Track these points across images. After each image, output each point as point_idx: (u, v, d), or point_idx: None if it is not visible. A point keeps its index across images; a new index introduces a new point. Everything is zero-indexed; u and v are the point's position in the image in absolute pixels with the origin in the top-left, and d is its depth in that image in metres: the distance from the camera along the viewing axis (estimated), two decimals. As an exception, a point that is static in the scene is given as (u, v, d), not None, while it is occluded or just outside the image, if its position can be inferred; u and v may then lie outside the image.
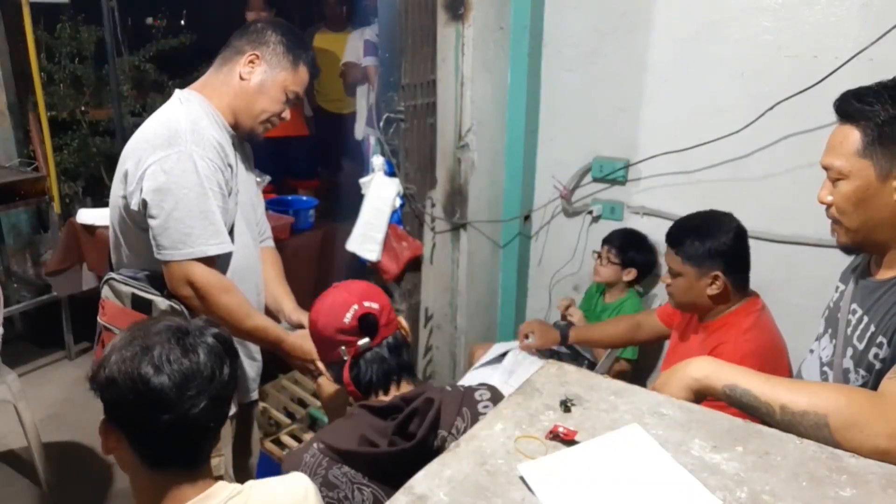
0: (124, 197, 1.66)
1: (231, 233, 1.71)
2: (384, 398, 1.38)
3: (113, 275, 1.72)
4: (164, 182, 1.56)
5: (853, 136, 1.21)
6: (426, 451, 1.29)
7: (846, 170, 1.21)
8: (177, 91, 1.74)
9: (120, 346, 1.08)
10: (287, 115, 1.81)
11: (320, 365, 1.68)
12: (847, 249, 1.30)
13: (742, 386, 1.11)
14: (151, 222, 1.60)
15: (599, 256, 2.61)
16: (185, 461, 1.11)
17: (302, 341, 1.75)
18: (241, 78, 1.71)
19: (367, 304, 1.38)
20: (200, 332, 1.11)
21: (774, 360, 1.81)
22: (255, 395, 1.99)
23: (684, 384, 1.17)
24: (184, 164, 1.57)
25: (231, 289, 1.68)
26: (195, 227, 1.58)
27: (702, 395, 1.17)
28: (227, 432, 1.88)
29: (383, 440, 1.29)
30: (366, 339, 1.37)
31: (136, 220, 1.66)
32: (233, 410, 1.85)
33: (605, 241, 2.60)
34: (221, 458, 1.84)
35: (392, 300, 2.90)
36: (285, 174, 4.49)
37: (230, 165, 1.70)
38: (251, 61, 1.71)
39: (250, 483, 1.16)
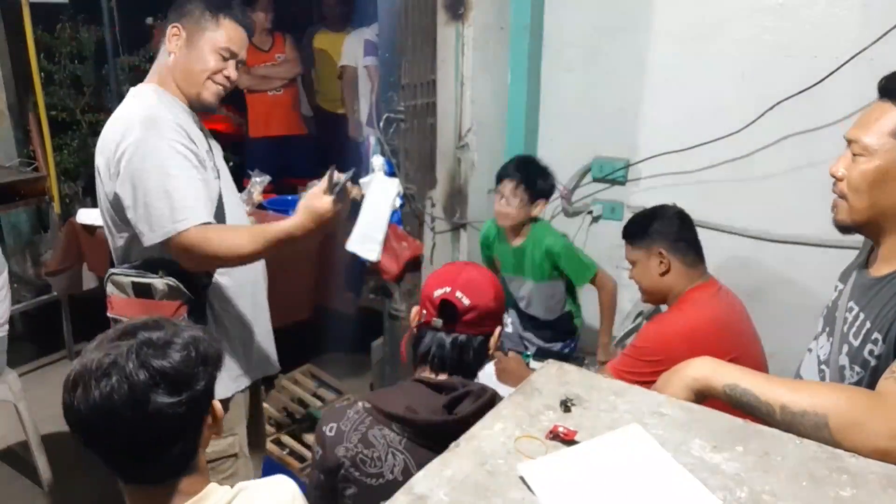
0: (106, 194, 1.73)
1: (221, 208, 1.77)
2: (437, 377, 1.42)
3: (112, 270, 1.76)
4: (129, 174, 1.63)
5: (891, 115, 1.17)
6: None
7: (873, 146, 1.18)
8: (132, 89, 1.80)
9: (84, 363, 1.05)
10: (232, 74, 1.80)
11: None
12: (844, 228, 1.29)
13: (742, 386, 1.11)
14: (129, 214, 1.65)
15: (501, 195, 2.32)
16: (151, 481, 1.09)
17: (305, 213, 1.68)
18: (171, 53, 1.76)
19: (459, 294, 1.40)
20: (163, 354, 1.03)
21: (711, 340, 1.83)
22: (277, 367, 2.06)
23: (685, 384, 1.17)
24: (141, 151, 1.62)
25: (215, 236, 1.64)
26: (163, 209, 1.61)
27: (702, 396, 1.17)
28: (241, 410, 1.91)
29: (430, 415, 1.32)
30: (439, 321, 1.41)
31: (119, 212, 1.72)
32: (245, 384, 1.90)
33: (505, 175, 2.32)
34: (235, 437, 1.88)
35: (392, 300, 2.91)
36: (286, 174, 4.51)
37: (194, 141, 1.72)
38: (174, 34, 1.76)
39: (240, 486, 1.15)
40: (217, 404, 1.14)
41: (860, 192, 1.21)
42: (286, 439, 2.76)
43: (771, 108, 2.20)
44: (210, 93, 1.79)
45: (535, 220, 2.39)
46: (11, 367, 2.63)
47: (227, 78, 1.80)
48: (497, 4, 2.58)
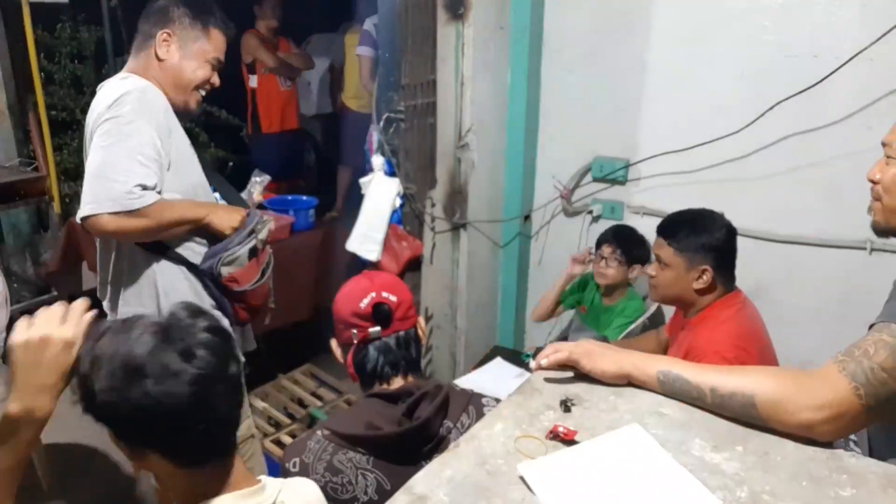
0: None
1: None
2: (390, 387, 1.41)
3: (218, 254, 1.80)
4: (105, 138, 1.64)
5: None
6: (432, 436, 1.31)
7: None
8: (124, 76, 1.77)
9: (108, 369, 0.99)
10: (216, 81, 1.86)
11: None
12: (880, 231, 1.26)
13: (675, 371, 1.12)
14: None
15: (601, 257, 2.51)
16: (221, 453, 1.08)
17: (223, 210, 1.83)
18: (160, 59, 1.77)
19: (385, 294, 1.41)
20: (190, 330, 1.03)
21: (751, 353, 1.81)
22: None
23: (619, 365, 1.15)
24: (126, 127, 1.64)
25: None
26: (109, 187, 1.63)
27: (630, 379, 1.16)
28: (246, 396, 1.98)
29: (391, 426, 1.30)
30: (377, 328, 1.40)
31: None
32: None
33: (605, 240, 2.50)
34: (249, 418, 1.99)
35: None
36: (291, 171, 4.57)
37: (172, 139, 1.75)
38: (164, 40, 1.77)
39: (282, 481, 1.15)
40: None
41: (893, 194, 1.19)
42: (286, 439, 2.76)
43: (771, 108, 2.20)
44: (195, 101, 1.84)
45: (630, 284, 2.56)
46: (11, 367, 2.63)
47: (212, 86, 1.85)
48: (497, 4, 2.58)
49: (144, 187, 1.62)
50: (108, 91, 1.71)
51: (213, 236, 1.82)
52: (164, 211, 1.68)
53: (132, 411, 0.98)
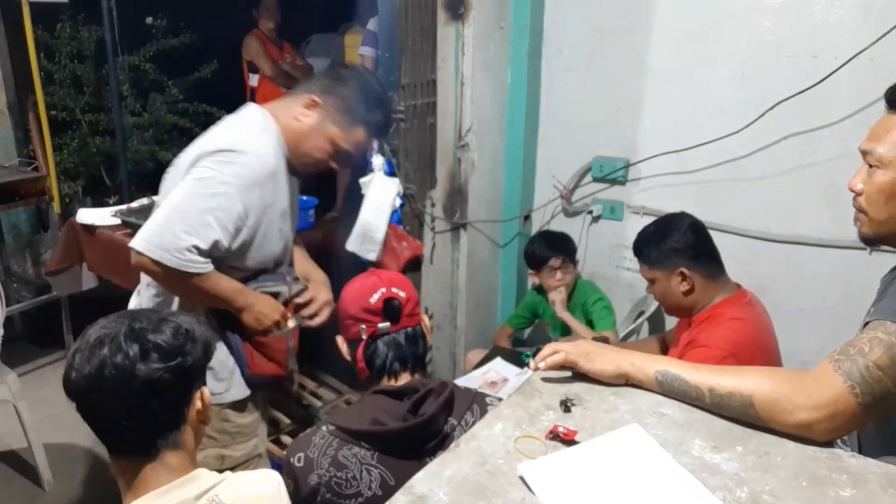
0: None
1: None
2: (397, 383, 1.42)
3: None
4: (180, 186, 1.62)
5: None
6: (436, 432, 1.32)
7: (887, 158, 1.14)
8: (258, 109, 1.75)
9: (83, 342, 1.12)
10: (333, 166, 1.80)
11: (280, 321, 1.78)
12: (868, 241, 1.24)
13: (672, 371, 1.12)
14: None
15: (552, 269, 2.53)
16: (137, 451, 1.12)
17: (262, 305, 1.74)
18: (296, 118, 1.73)
19: (394, 290, 1.43)
20: (154, 329, 1.10)
21: (756, 354, 1.81)
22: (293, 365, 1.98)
23: (617, 364, 1.16)
24: (205, 182, 1.58)
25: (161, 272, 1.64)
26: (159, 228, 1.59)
27: (628, 379, 1.17)
28: (260, 412, 1.93)
29: (396, 422, 1.31)
30: (386, 323, 1.42)
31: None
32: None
33: (545, 256, 2.54)
34: (258, 437, 1.92)
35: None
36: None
37: (267, 196, 1.69)
38: (311, 105, 1.73)
39: (227, 473, 1.16)
40: (206, 391, 1.18)
41: (878, 205, 1.17)
42: (286, 439, 2.76)
43: (771, 108, 2.20)
44: (304, 168, 1.79)
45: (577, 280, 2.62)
46: (11, 367, 2.63)
47: (325, 167, 1.80)
48: (497, 4, 2.58)
49: (199, 250, 1.57)
50: (229, 131, 1.67)
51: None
52: (205, 282, 1.63)
53: (83, 379, 1.08)
